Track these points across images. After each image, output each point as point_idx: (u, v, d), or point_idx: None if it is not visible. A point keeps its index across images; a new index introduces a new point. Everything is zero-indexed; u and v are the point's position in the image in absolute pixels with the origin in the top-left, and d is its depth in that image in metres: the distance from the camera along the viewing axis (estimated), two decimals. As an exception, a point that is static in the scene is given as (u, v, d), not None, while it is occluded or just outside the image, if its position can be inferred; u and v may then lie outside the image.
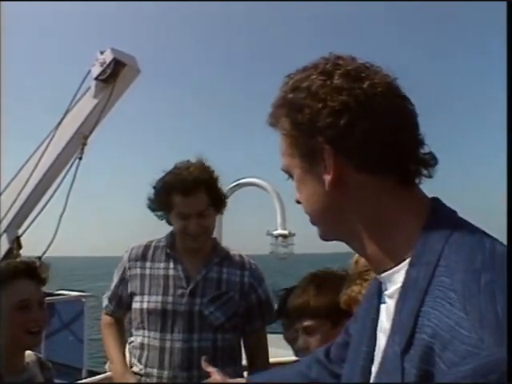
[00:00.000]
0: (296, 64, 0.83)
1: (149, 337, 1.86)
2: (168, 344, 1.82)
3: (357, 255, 1.50)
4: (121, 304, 1.98)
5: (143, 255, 1.95)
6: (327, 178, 0.76)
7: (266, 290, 2.04)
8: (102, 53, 4.08)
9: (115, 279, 1.99)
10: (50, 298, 5.73)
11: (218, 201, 1.95)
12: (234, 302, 1.93)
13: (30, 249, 4.50)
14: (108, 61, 4.03)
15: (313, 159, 0.78)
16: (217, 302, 1.89)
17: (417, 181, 0.80)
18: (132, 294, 1.92)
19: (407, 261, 0.73)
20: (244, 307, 1.95)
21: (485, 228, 0.75)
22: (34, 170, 4.24)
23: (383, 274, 0.78)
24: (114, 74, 4.08)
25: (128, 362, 1.95)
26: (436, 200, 0.79)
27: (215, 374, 1.33)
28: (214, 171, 1.95)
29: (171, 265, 1.92)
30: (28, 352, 1.66)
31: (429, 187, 0.82)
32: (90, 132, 4.20)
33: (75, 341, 5.75)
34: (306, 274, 1.64)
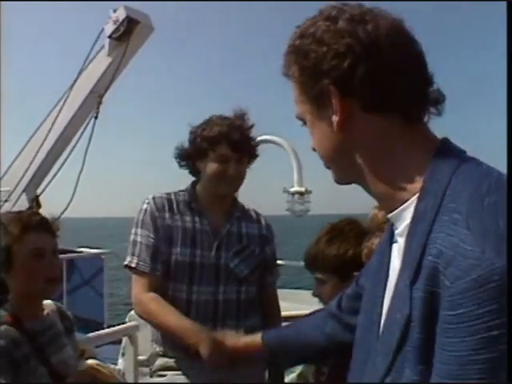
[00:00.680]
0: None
1: (174, 290, 1.86)
2: (195, 297, 1.84)
3: (374, 210, 1.51)
4: (158, 257, 1.85)
5: (169, 207, 1.92)
6: (335, 119, 0.78)
7: (275, 246, 2.09)
8: (115, 11, 4.04)
9: (145, 233, 1.88)
10: (71, 254, 5.88)
11: (252, 151, 1.97)
12: (255, 255, 1.96)
13: (49, 208, 4.59)
14: (121, 19, 4.00)
15: (321, 103, 0.80)
16: (240, 255, 1.93)
17: (425, 119, 0.81)
18: (161, 245, 1.87)
19: (416, 196, 0.75)
20: (262, 260, 1.99)
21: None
22: (50, 130, 4.27)
23: (393, 213, 0.80)
24: (128, 32, 4.04)
25: None
26: (445, 139, 0.80)
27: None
28: (250, 120, 1.95)
29: (196, 218, 1.92)
30: (48, 302, 1.68)
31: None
32: (105, 90, 4.20)
33: (96, 296, 5.91)
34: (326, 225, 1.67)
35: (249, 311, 1.93)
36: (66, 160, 4.40)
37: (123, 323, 2.96)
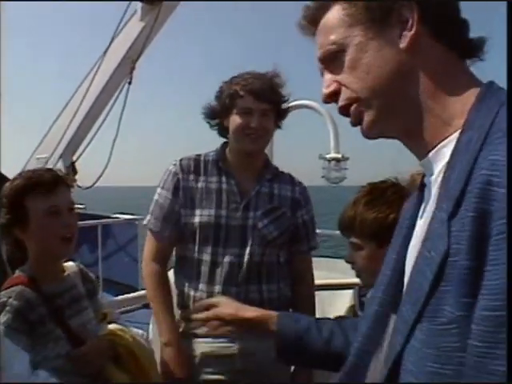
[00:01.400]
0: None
1: (199, 252, 1.83)
2: (220, 258, 1.81)
3: (413, 171, 1.40)
4: (171, 219, 1.88)
5: (195, 168, 1.89)
6: (407, 34, 0.76)
7: (311, 211, 2.00)
8: (147, -26, 3.97)
9: (164, 193, 1.89)
10: (106, 220, 5.99)
11: (278, 103, 1.89)
12: (286, 217, 1.90)
13: (85, 175, 4.64)
14: (154, -19, 3.93)
15: (386, 21, 0.77)
16: (270, 215, 1.87)
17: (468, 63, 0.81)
18: (183, 208, 1.86)
19: (457, 132, 0.73)
20: (293, 225, 1.94)
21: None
22: (84, 97, 4.29)
23: (432, 151, 0.77)
24: (160, -4, 3.98)
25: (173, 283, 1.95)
26: (491, 81, 0.78)
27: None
28: (281, 77, 1.89)
29: (224, 179, 1.87)
30: (70, 263, 1.66)
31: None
32: (138, 56, 4.17)
33: (130, 261, 6.01)
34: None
35: (274, 275, 1.88)
36: (100, 126, 4.42)
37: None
